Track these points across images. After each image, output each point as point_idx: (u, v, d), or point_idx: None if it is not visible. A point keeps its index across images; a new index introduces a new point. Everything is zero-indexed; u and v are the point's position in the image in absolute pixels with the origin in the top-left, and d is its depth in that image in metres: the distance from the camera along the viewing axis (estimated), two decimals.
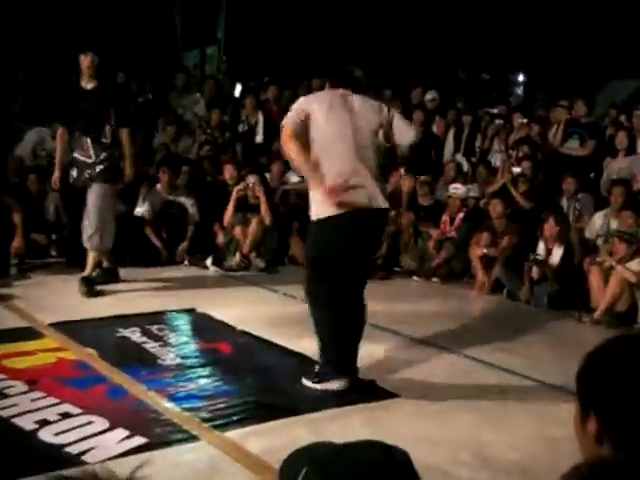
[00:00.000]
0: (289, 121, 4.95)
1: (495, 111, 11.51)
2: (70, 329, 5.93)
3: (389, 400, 4.91)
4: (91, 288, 7.12)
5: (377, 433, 4.03)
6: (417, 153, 6.61)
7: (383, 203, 4.92)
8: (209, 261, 8.57)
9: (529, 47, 16.06)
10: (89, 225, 7.04)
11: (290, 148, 4.90)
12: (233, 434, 4.27)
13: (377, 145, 5.02)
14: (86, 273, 7.20)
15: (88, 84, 7.04)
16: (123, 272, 7.83)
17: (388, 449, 1.49)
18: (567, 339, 6.58)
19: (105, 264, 7.38)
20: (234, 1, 16.40)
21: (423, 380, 5.32)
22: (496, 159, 10.23)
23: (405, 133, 5.10)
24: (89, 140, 6.98)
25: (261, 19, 15.68)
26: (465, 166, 10.43)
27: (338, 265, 4.88)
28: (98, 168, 7.00)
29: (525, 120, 10.14)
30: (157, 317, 6.44)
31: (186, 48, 17.11)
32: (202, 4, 16.75)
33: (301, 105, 5.01)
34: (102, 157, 7.01)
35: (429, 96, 11.37)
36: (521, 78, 18.46)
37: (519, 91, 18.14)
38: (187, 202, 8.94)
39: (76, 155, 7.03)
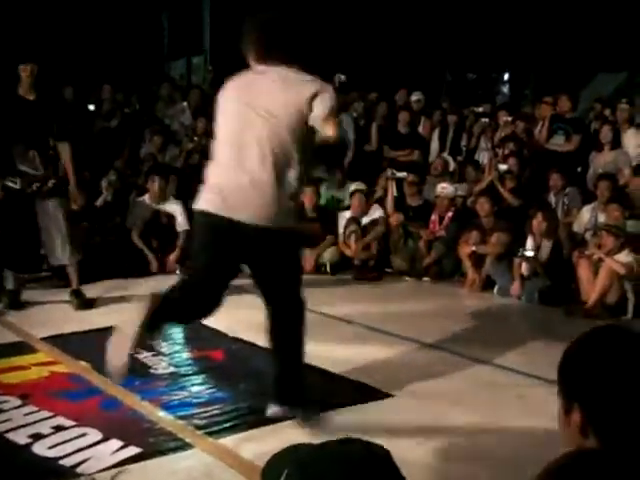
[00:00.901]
0: None
1: (480, 110, 11.56)
2: (62, 342, 5.93)
3: (383, 400, 4.93)
4: (84, 300, 7.14)
5: (371, 434, 4.03)
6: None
7: (274, 221, 4.00)
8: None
9: (514, 45, 16.11)
10: (59, 240, 6.95)
11: None
12: (227, 440, 4.28)
13: (294, 138, 3.98)
14: (74, 286, 7.19)
15: (29, 95, 6.81)
16: (114, 283, 7.85)
17: (367, 445, 1.51)
18: (559, 333, 6.59)
19: (10, 286, 7.08)
20: (219, 11, 16.44)
21: (416, 379, 5.33)
22: (483, 157, 10.28)
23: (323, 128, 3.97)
24: (35, 153, 6.78)
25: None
26: (452, 165, 10.47)
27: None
28: (50, 182, 6.83)
29: (510, 118, 10.19)
30: None
31: (172, 58, 17.15)
32: (188, 15, 16.79)
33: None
34: (50, 171, 6.87)
35: (414, 97, 11.42)
36: (507, 76, 18.51)
37: (505, 89, 18.17)
38: (176, 211, 8.94)
39: (23, 168, 6.75)
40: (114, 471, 3.84)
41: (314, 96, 4.02)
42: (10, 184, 6.76)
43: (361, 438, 1.51)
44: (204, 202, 4.18)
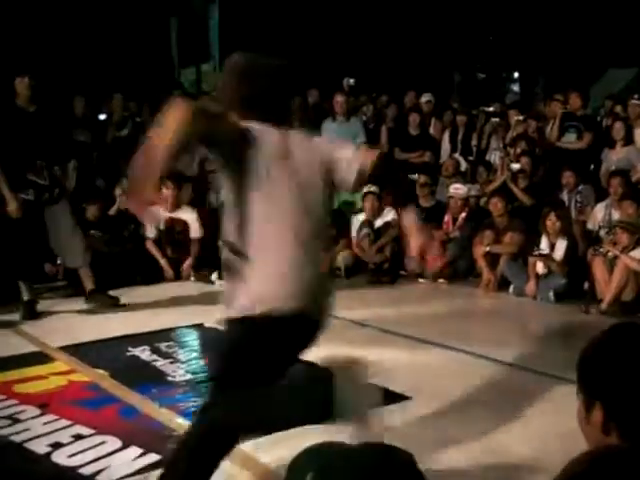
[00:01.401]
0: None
1: (491, 109, 11.54)
2: (80, 351, 5.96)
3: (401, 403, 4.92)
4: (104, 298, 7.29)
5: (390, 437, 4.03)
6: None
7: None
8: (215, 276, 8.58)
9: (523, 42, 16.08)
10: (74, 245, 7.10)
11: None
12: (245, 446, 4.27)
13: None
14: (90, 287, 7.29)
15: (28, 107, 6.89)
16: (131, 292, 7.88)
17: (390, 451, 1.51)
18: (576, 332, 6.58)
19: (26, 297, 7.10)
20: (227, 18, 16.49)
21: (434, 381, 5.32)
22: (495, 157, 10.25)
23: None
24: (43, 163, 6.89)
25: (255, 33, 15.74)
26: (463, 165, 10.45)
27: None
28: (55, 191, 6.99)
29: (522, 117, 10.16)
30: (166, 334, 6.46)
31: (182, 66, 17.21)
32: (196, 22, 16.86)
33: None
34: (55, 180, 7.01)
35: (424, 99, 11.40)
36: (517, 74, 18.46)
37: (515, 88, 18.13)
38: (189, 218, 8.96)
39: (32, 178, 6.86)
40: (137, 479, 3.86)
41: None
42: (24, 196, 6.85)
43: (384, 442, 1.51)
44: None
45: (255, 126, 2.97)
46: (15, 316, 7.05)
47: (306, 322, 3.10)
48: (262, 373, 3.05)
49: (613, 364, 1.57)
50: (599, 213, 8.23)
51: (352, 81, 12.33)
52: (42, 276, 8.05)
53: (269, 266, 2.96)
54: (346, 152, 3.24)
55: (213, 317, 6.96)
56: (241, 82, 3.16)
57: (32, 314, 7.04)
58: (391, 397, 4.98)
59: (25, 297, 7.09)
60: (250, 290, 2.94)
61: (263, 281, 2.94)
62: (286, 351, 3.14)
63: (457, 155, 10.62)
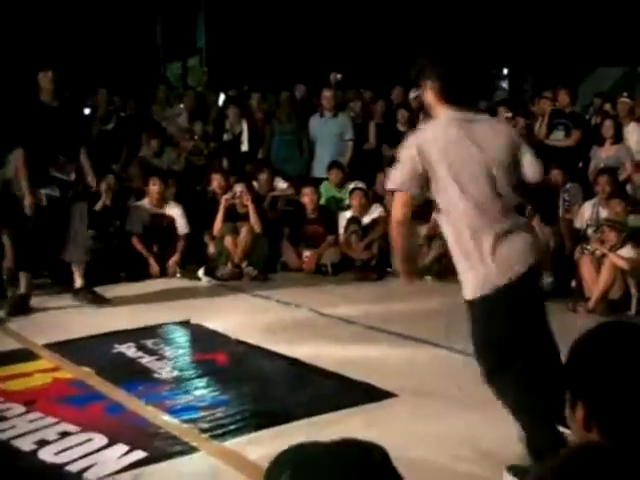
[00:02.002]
0: (399, 181, 3.70)
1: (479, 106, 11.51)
2: (65, 348, 5.92)
3: (387, 400, 4.92)
4: (90, 296, 7.28)
5: (376, 434, 4.00)
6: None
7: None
8: (201, 272, 8.56)
9: (512, 40, 16.09)
10: (79, 241, 7.16)
11: (397, 233, 3.80)
12: (232, 443, 4.27)
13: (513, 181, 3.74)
14: (79, 284, 7.30)
15: (52, 102, 6.90)
16: (116, 288, 7.85)
17: (365, 449, 1.50)
18: (562, 330, 6.49)
19: (23, 290, 7.13)
20: (214, 11, 16.43)
21: (420, 378, 5.32)
22: None
23: (533, 167, 3.81)
24: (65, 159, 6.91)
25: (241, 28, 15.70)
26: None
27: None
28: (79, 188, 7.06)
29: (510, 114, 10.15)
30: (152, 331, 6.43)
31: (167, 60, 17.14)
32: (182, 16, 16.79)
33: (412, 150, 3.67)
34: (76, 176, 7.04)
35: (413, 94, 11.36)
36: (506, 71, 18.45)
37: (504, 85, 18.11)
38: (176, 214, 8.92)
39: (56, 175, 6.90)
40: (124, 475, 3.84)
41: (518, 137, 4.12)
42: (51, 192, 6.88)
43: (359, 438, 1.49)
44: None
45: None
46: (0, 313, 7.00)
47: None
48: None
49: (594, 363, 1.59)
50: (586, 211, 8.23)
51: (339, 76, 12.29)
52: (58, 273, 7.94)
53: None
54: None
55: (199, 313, 6.96)
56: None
57: (22, 310, 7.01)
58: (378, 395, 4.99)
59: (22, 290, 7.11)
60: None
61: None
62: None
63: None
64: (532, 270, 3.72)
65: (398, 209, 3.70)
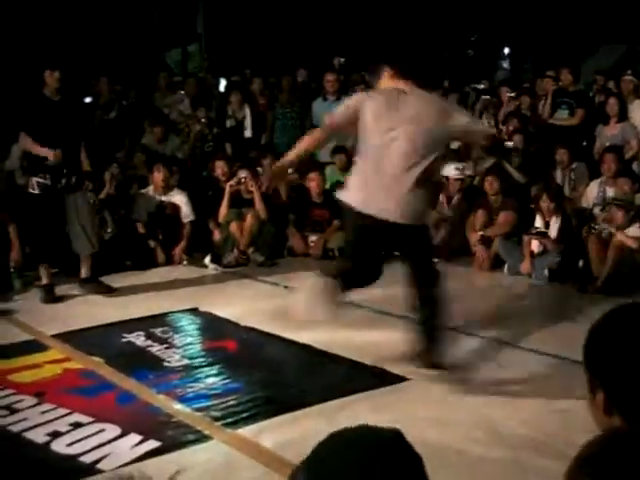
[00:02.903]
0: (333, 114, 5.12)
1: (481, 86, 11.45)
2: (74, 339, 5.92)
3: (398, 384, 4.92)
4: (101, 285, 7.35)
5: (388, 418, 4.03)
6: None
7: (406, 219, 4.72)
8: (207, 259, 8.53)
9: (513, 19, 16.01)
10: (86, 230, 7.19)
11: (307, 136, 5.14)
12: (245, 431, 4.27)
13: (433, 153, 4.71)
14: (86, 275, 7.34)
15: (54, 96, 7.03)
16: (122, 277, 7.84)
17: (375, 430, 1.48)
18: (570, 310, 6.57)
19: (45, 280, 7.24)
20: None
21: None
22: None
23: (475, 127, 4.98)
24: (61, 151, 6.94)
25: (241, 12, 15.63)
26: (456, 144, 10.37)
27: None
28: (73, 179, 7.08)
29: (513, 94, 10.10)
30: (160, 319, 6.42)
31: (167, 47, 17.08)
32: (181, 1, 16.70)
33: (352, 100, 5.04)
34: (73, 167, 7.10)
35: None
36: (507, 51, 18.35)
37: (505, 64, 18.03)
38: (181, 201, 8.90)
39: (51, 164, 6.96)
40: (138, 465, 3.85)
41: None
42: (42, 180, 6.95)
43: (368, 424, 1.48)
44: None
45: None
46: (9, 305, 7.01)
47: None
48: None
49: (614, 346, 1.55)
50: (593, 191, 8.20)
51: (342, 60, 12.25)
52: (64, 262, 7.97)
53: None
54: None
55: (207, 301, 6.95)
56: None
57: (52, 298, 7.11)
58: (389, 379, 4.99)
59: (44, 281, 7.18)
60: None
61: None
62: None
63: None
64: (396, 224, 4.66)
65: (321, 126, 5.06)
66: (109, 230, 8.41)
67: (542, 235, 7.73)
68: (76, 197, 7.14)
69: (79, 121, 7.24)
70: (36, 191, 6.97)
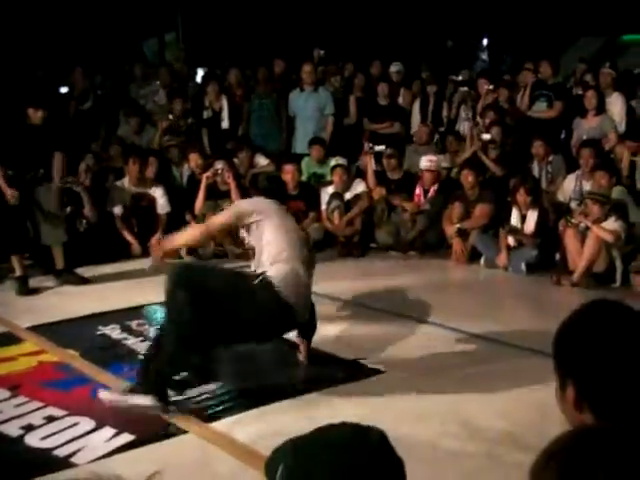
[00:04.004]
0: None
1: (460, 78, 11.40)
2: (49, 331, 5.87)
3: (374, 377, 4.93)
4: (75, 276, 7.35)
5: (363, 412, 4.04)
6: None
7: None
8: (184, 251, 8.49)
9: (492, 9, 16.00)
10: (53, 221, 7.26)
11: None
12: (220, 424, 4.26)
13: None
14: (60, 266, 7.34)
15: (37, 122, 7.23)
16: (98, 269, 7.78)
17: (360, 430, 1.48)
18: (547, 303, 6.61)
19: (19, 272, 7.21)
20: None
21: (406, 354, 5.32)
22: (464, 127, 10.20)
23: None
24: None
25: (220, 4, 15.53)
26: (435, 137, 10.38)
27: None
28: (40, 172, 7.19)
29: (492, 86, 10.08)
30: (136, 312, 6.38)
31: (144, 36, 16.93)
32: None
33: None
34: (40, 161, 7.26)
35: (394, 68, 11.28)
36: (485, 42, 18.31)
37: (484, 56, 17.98)
38: (156, 193, 8.85)
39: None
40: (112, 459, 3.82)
41: None
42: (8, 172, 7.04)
43: (353, 422, 1.47)
44: None
45: None
46: None
47: None
48: None
49: (585, 342, 1.57)
50: (569, 184, 8.22)
51: (322, 52, 12.19)
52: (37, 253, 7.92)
53: None
54: None
55: None
56: None
57: (26, 290, 7.08)
58: (364, 372, 4.99)
59: (18, 273, 7.13)
60: None
61: None
62: None
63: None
64: None
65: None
66: (84, 222, 8.34)
67: (515, 232, 7.75)
68: (41, 189, 7.17)
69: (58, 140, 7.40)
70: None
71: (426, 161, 8.91)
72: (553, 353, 1.64)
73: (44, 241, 7.32)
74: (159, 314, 6.40)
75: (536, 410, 4.23)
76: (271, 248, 4.71)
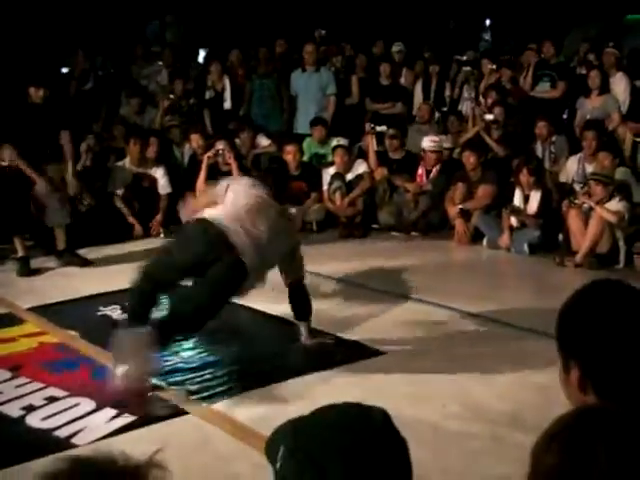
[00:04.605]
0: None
1: (464, 58, 11.32)
2: (50, 312, 5.86)
3: (375, 358, 4.92)
4: (77, 257, 7.34)
5: (364, 393, 4.02)
6: None
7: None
8: None
9: None
10: (56, 202, 7.25)
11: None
12: (220, 405, 4.26)
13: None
14: (61, 247, 7.34)
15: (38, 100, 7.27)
16: (99, 250, 7.76)
17: (364, 410, 1.46)
18: (549, 284, 6.58)
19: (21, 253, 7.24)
20: None
21: (407, 335, 5.31)
22: (466, 107, 10.15)
23: None
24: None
25: None
26: (436, 116, 10.32)
27: None
28: (49, 150, 7.23)
29: (494, 66, 10.03)
30: None
31: (145, 18, 16.83)
32: None
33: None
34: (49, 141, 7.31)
35: (395, 48, 11.22)
36: (488, 22, 18.18)
37: (487, 36, 17.85)
38: (157, 173, 8.81)
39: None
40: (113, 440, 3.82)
41: None
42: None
43: (357, 401, 1.45)
44: None
45: None
46: None
47: None
48: None
49: (588, 323, 1.56)
50: (572, 166, 8.17)
51: (324, 32, 12.11)
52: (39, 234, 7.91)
53: None
54: None
55: None
56: None
57: (28, 271, 7.08)
58: (366, 353, 4.98)
59: (20, 253, 7.14)
60: None
61: None
62: None
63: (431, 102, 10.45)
64: None
65: None
66: (85, 202, 8.32)
67: (517, 212, 7.72)
68: (51, 169, 7.20)
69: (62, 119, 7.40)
70: (5, 162, 7.03)
71: (429, 141, 8.86)
72: (556, 335, 1.63)
73: (48, 222, 7.32)
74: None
75: (538, 391, 4.22)
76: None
